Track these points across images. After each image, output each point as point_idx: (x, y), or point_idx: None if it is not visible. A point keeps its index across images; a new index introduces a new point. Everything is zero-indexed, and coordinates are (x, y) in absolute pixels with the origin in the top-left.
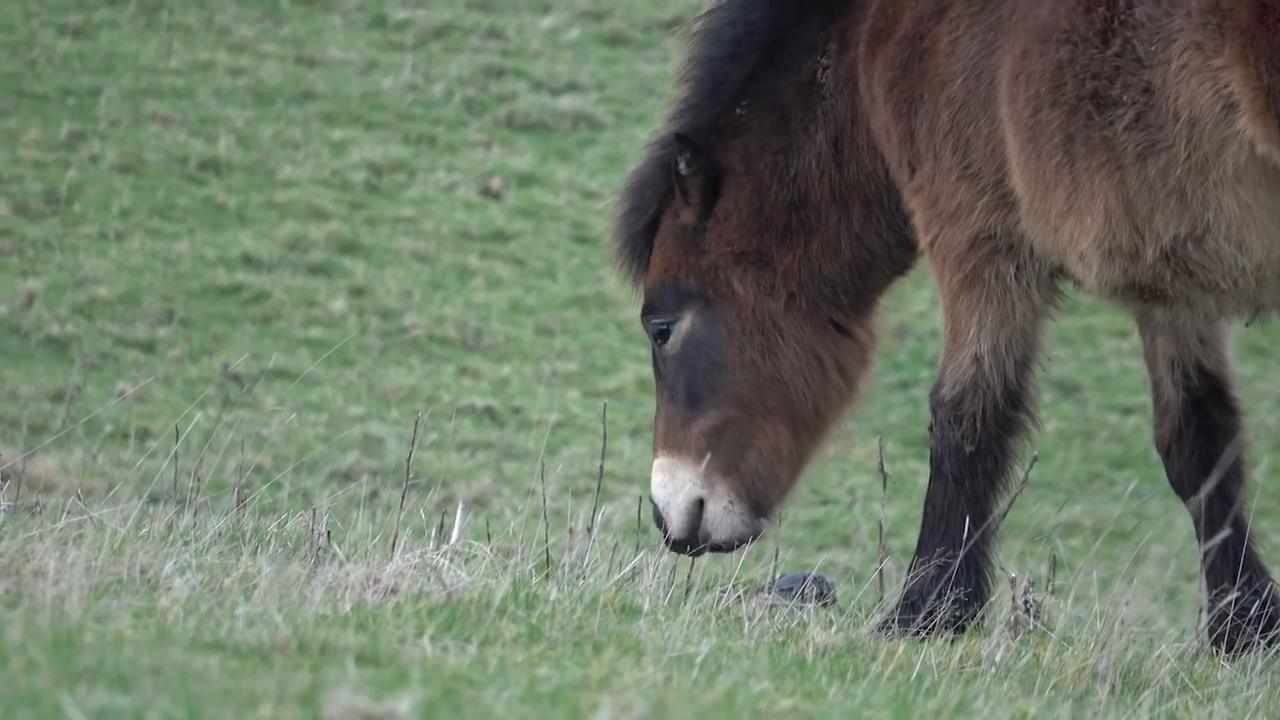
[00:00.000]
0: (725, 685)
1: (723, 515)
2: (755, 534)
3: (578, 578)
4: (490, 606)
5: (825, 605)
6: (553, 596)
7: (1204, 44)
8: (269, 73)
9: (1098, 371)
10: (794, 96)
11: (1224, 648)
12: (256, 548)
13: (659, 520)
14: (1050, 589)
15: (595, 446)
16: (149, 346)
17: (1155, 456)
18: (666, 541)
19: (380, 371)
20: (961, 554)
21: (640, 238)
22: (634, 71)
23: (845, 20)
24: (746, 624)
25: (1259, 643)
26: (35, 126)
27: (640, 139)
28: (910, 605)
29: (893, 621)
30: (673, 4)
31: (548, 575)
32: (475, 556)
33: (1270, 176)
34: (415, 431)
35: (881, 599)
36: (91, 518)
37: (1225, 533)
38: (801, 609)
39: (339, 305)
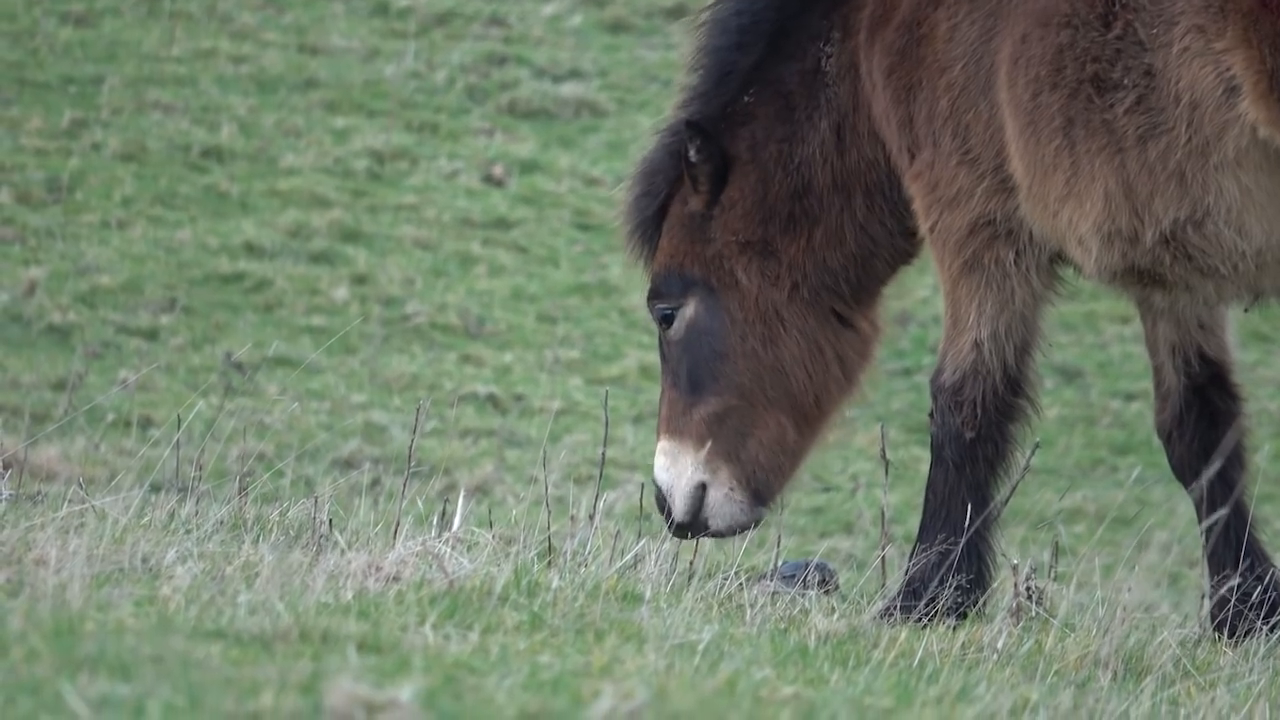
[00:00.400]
0: (727, 672)
1: (723, 502)
2: (755, 522)
3: (580, 565)
4: (492, 594)
5: (827, 592)
6: (555, 584)
7: (1206, 27)
8: (271, 61)
9: (1100, 357)
10: (799, 84)
11: (1226, 633)
12: (258, 536)
13: (661, 503)
14: (1052, 575)
15: (597, 434)
16: (151, 334)
17: (1157, 443)
18: (669, 524)
19: (382, 359)
20: (963, 540)
21: (651, 223)
22: (636, 58)
23: (848, 7)
24: (748, 611)
25: (1261, 628)
26: (37, 115)
27: (642, 126)
28: (912, 592)
29: (895, 608)
30: None
31: (550, 563)
32: (477, 544)
33: (1271, 160)
34: (417, 419)
35: (884, 586)
36: (93, 506)
37: (1222, 512)
38: (803, 596)
39: (341, 293)
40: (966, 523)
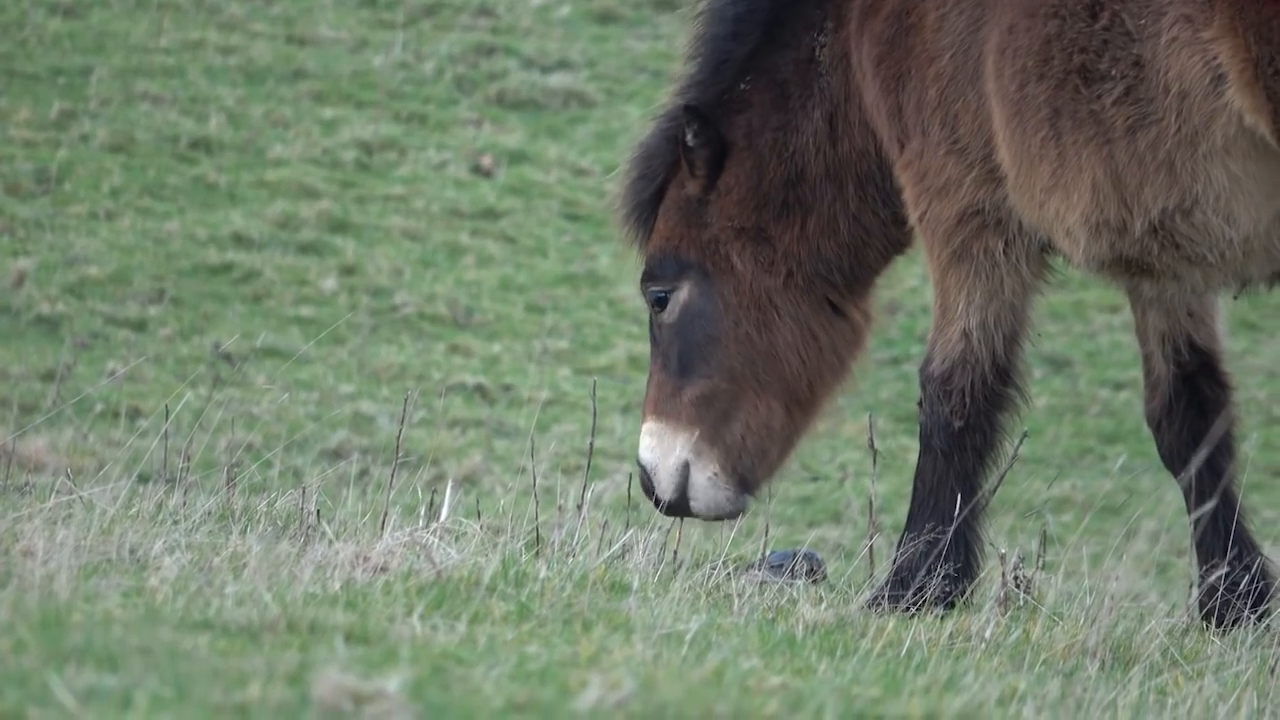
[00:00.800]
0: (714, 662)
1: (707, 486)
2: (740, 510)
3: (567, 555)
4: (480, 584)
5: (815, 582)
6: (542, 574)
7: (1194, 17)
8: (259, 51)
9: (1089, 347)
10: (793, 73)
11: (1214, 623)
12: (246, 526)
13: (646, 484)
14: (1040, 564)
15: (586, 424)
16: (140, 325)
17: (1146, 431)
18: (656, 505)
19: (371, 350)
20: (951, 530)
21: (646, 206)
22: (625, 49)
23: None
24: (736, 601)
25: (1249, 618)
26: (26, 106)
27: (631, 116)
28: (900, 581)
29: (883, 598)
30: None
31: (537, 553)
32: (465, 534)
33: (1258, 148)
34: (405, 409)
35: (871, 575)
36: (81, 497)
37: (1211, 503)
38: (791, 585)
39: (330, 284)
40: (955, 512)
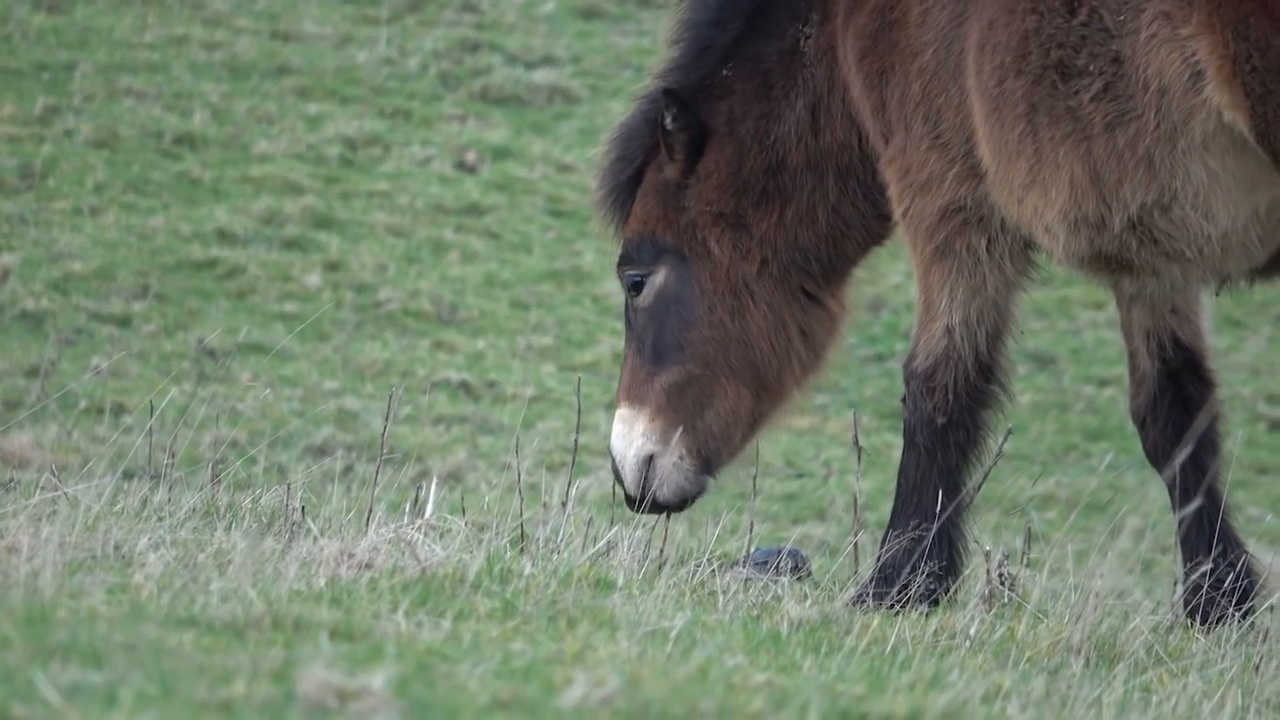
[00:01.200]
0: (699, 660)
1: (670, 470)
2: (700, 491)
3: (552, 552)
4: (465, 581)
5: (800, 579)
6: (527, 571)
7: (1172, 13)
8: (244, 47)
9: (1073, 344)
10: (777, 63)
11: (1199, 620)
12: (231, 523)
13: (616, 472)
14: (1025, 562)
15: (570, 420)
16: (124, 321)
17: (1131, 428)
18: (627, 498)
19: (355, 346)
20: (935, 527)
21: (625, 188)
22: (609, 45)
23: None
24: (721, 598)
25: (1233, 615)
26: (10, 101)
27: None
28: (884, 579)
29: (867, 595)
30: None
31: (522, 550)
32: (450, 531)
33: (1236, 144)
34: (390, 406)
35: (856, 572)
36: (65, 493)
37: (1198, 502)
38: (776, 583)
39: (314, 280)
40: (938, 509)
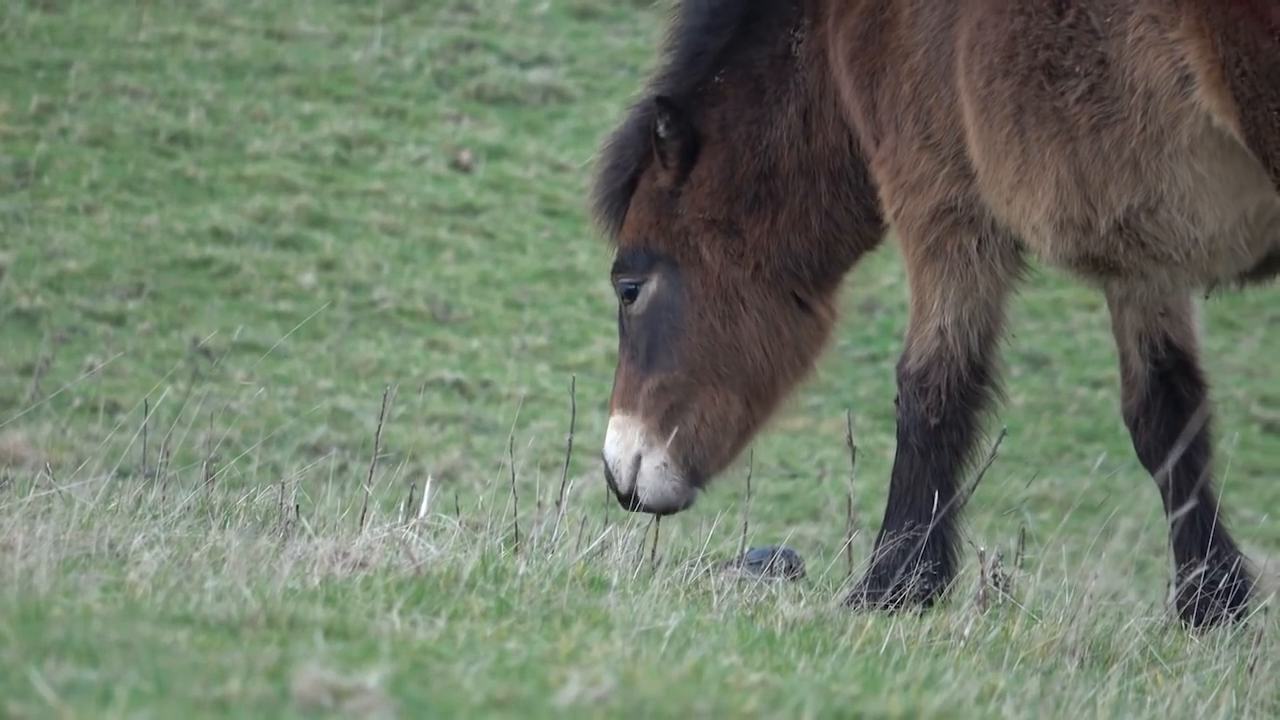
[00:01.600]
0: (694, 659)
1: (654, 476)
2: (686, 503)
3: (546, 552)
4: (459, 580)
5: (794, 579)
6: (521, 570)
7: (1160, 17)
8: (239, 46)
9: (1067, 345)
10: (769, 68)
11: (1192, 621)
12: (225, 521)
13: (610, 478)
14: (1019, 562)
15: (564, 420)
16: (118, 320)
17: (1124, 430)
18: (620, 501)
19: (349, 345)
20: (929, 528)
21: (618, 196)
22: (604, 45)
23: None
24: (715, 598)
25: (1227, 616)
26: (4, 99)
27: (610, 112)
28: (878, 579)
29: (861, 595)
30: None
31: (516, 549)
32: (444, 530)
33: (1224, 148)
34: (384, 405)
35: (850, 572)
36: (60, 491)
37: (1191, 504)
38: (770, 583)
39: (308, 279)
40: (932, 509)
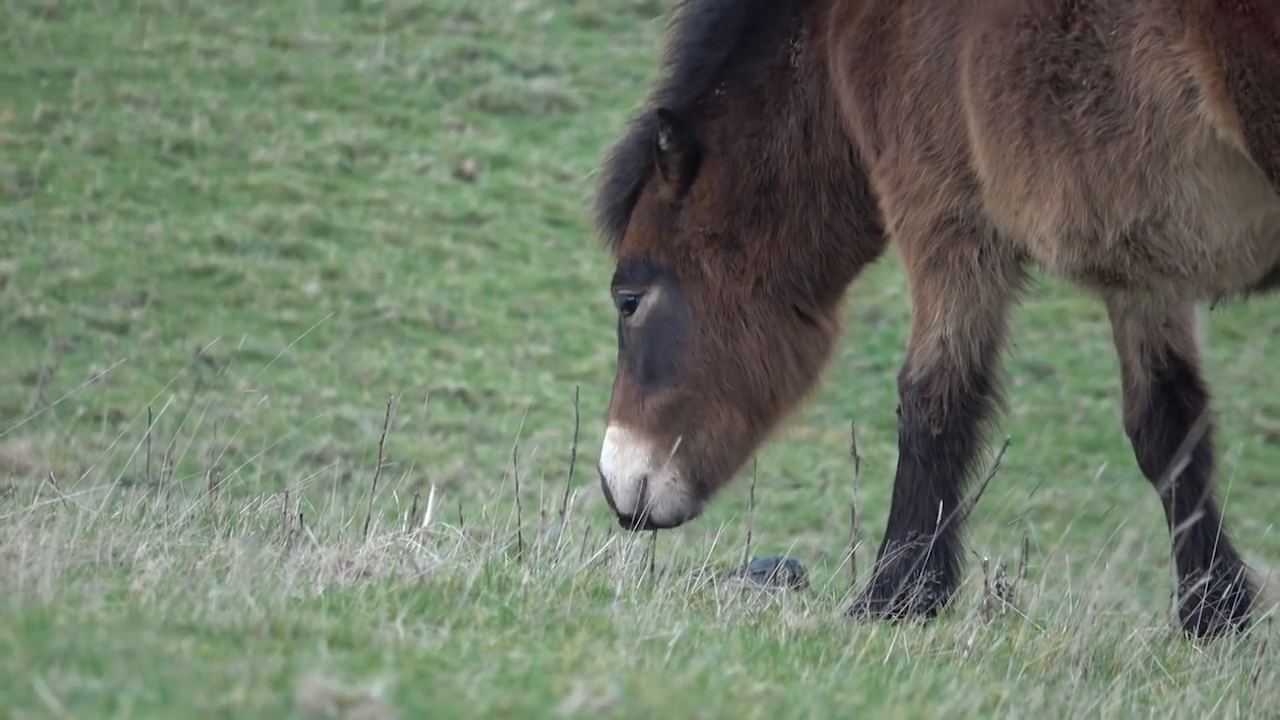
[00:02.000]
0: (698, 669)
1: (664, 491)
2: (695, 514)
3: (550, 561)
4: (463, 590)
5: (798, 589)
6: (525, 580)
7: (1164, 29)
8: (242, 55)
9: (1070, 355)
10: (768, 80)
11: (1196, 632)
12: (229, 530)
13: (607, 492)
14: (1023, 573)
15: (568, 429)
16: (122, 329)
17: (1126, 440)
18: (620, 520)
19: (353, 354)
20: (933, 538)
21: (621, 209)
22: (607, 54)
23: (817, 5)
24: (719, 607)
25: (1231, 626)
26: (8, 108)
27: (613, 121)
28: (882, 589)
29: (865, 605)
30: None
31: (520, 559)
32: (448, 540)
33: (1230, 161)
34: (388, 414)
35: (854, 582)
36: (64, 500)
37: (1196, 516)
38: (774, 592)
39: (312, 288)
40: (935, 519)
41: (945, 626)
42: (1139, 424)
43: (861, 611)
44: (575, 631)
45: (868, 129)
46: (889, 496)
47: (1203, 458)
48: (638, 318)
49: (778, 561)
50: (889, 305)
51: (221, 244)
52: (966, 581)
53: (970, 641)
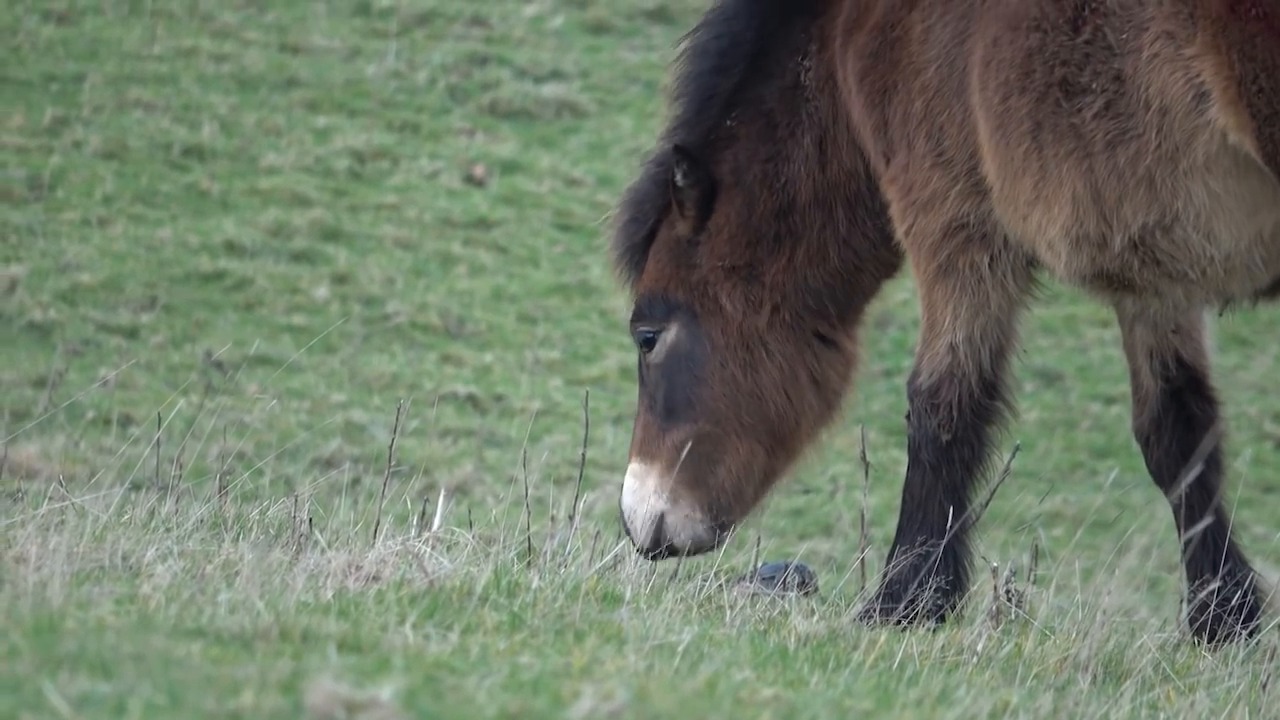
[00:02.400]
0: (707, 674)
1: (683, 523)
2: (715, 545)
3: (559, 566)
4: (472, 594)
5: (807, 594)
6: (534, 584)
7: (1175, 33)
8: (252, 59)
9: (1080, 361)
10: (779, 102)
11: (1205, 638)
12: (238, 534)
13: (627, 529)
14: (1032, 578)
15: (577, 434)
16: (131, 333)
17: (1136, 446)
18: (640, 552)
19: (363, 359)
20: (942, 543)
21: (639, 248)
22: (617, 59)
23: (824, 18)
24: (728, 613)
25: (1240, 633)
26: (19, 112)
27: (624, 127)
28: (891, 594)
29: (874, 610)
30: None
31: (529, 563)
32: (457, 544)
33: (1240, 166)
34: (397, 419)
35: (863, 588)
36: (73, 504)
37: (1206, 522)
38: (783, 598)
39: (322, 292)
40: (944, 525)
41: (954, 632)
42: (1148, 430)
43: (871, 617)
44: (584, 636)
45: (878, 136)
46: (898, 502)
47: (1212, 464)
48: (657, 354)
49: (787, 567)
50: (899, 311)
51: (231, 248)
52: (976, 587)
53: (979, 647)
